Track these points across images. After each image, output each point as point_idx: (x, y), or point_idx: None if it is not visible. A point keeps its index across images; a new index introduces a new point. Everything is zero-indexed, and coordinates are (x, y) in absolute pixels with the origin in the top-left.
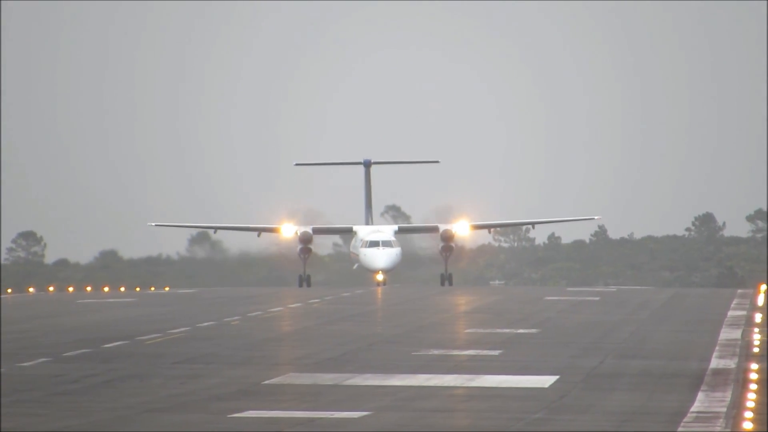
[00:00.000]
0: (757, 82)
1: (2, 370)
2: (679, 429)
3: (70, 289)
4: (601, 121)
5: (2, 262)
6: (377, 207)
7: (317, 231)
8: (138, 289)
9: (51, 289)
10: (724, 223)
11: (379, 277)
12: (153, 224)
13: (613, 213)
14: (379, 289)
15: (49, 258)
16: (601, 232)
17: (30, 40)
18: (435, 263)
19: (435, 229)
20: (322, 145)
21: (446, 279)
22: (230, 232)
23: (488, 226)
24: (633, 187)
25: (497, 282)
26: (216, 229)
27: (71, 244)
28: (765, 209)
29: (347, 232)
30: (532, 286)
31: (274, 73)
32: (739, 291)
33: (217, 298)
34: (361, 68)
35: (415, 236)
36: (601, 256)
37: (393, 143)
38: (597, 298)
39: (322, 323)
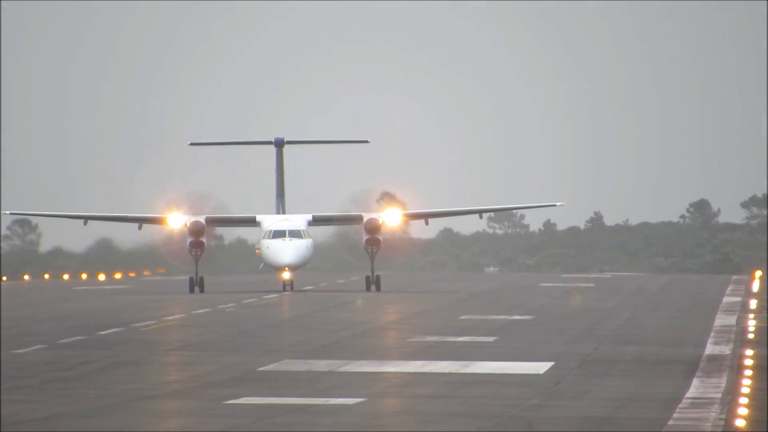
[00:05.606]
0: (752, 68)
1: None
2: (674, 415)
3: (66, 276)
4: (596, 109)
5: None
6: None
7: (211, 221)
8: (133, 274)
9: (46, 276)
10: (719, 210)
11: (286, 275)
12: (7, 213)
13: (609, 200)
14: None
15: (44, 246)
16: (596, 219)
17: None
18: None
19: (358, 219)
20: (250, 128)
21: (372, 282)
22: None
23: (425, 215)
24: (628, 174)
25: (492, 268)
26: (86, 219)
27: (66, 231)
28: (760, 196)
29: (249, 223)
30: (526, 273)
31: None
32: (734, 277)
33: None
34: (303, 53)
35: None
36: (596, 243)
37: (333, 125)
38: (592, 285)
39: (316, 310)
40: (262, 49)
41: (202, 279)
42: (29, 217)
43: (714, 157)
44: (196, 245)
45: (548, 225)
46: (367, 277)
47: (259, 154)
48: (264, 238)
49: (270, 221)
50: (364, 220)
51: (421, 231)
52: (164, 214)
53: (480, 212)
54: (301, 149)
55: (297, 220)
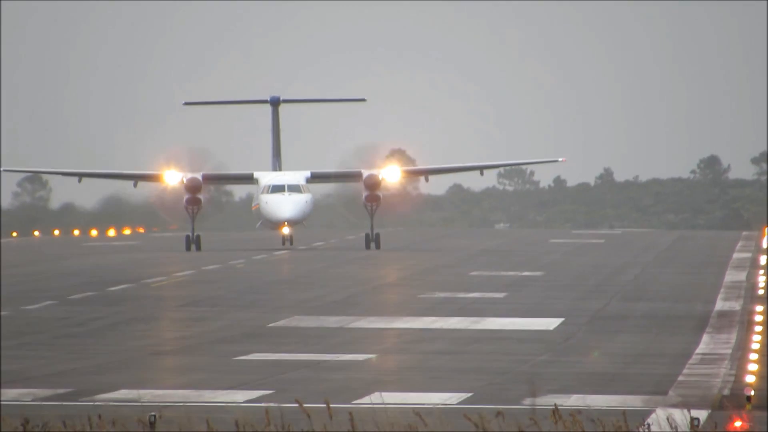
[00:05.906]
0: (761, 23)
1: (4, 313)
2: (684, 371)
3: (76, 232)
4: (605, 64)
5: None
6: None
7: (208, 178)
8: (142, 230)
9: (56, 232)
10: (729, 166)
11: (285, 230)
12: (2, 169)
13: (619, 156)
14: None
15: (54, 203)
16: (606, 175)
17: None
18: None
19: (358, 175)
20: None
21: (372, 240)
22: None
23: (426, 172)
24: (639, 130)
25: (502, 225)
26: (81, 176)
27: (76, 189)
28: (766, 151)
29: (247, 180)
30: (537, 229)
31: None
32: (744, 233)
33: (220, 241)
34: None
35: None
36: (607, 199)
37: (331, 84)
38: (602, 241)
39: (326, 266)
40: (259, 8)
41: (198, 237)
42: (36, 175)
43: (724, 113)
44: (193, 202)
45: (558, 181)
46: (367, 235)
47: (256, 113)
48: (263, 193)
49: (268, 177)
50: (364, 176)
51: (431, 187)
52: (160, 171)
53: (481, 168)
54: (300, 109)
55: (297, 176)
